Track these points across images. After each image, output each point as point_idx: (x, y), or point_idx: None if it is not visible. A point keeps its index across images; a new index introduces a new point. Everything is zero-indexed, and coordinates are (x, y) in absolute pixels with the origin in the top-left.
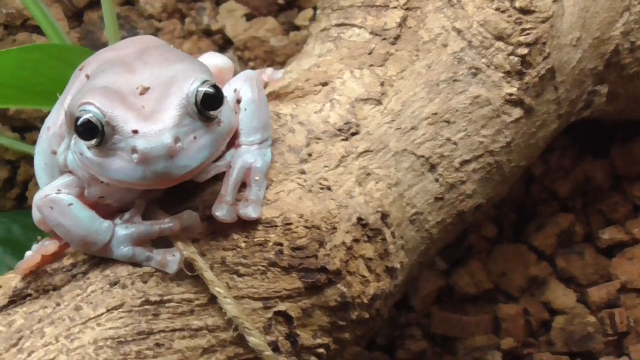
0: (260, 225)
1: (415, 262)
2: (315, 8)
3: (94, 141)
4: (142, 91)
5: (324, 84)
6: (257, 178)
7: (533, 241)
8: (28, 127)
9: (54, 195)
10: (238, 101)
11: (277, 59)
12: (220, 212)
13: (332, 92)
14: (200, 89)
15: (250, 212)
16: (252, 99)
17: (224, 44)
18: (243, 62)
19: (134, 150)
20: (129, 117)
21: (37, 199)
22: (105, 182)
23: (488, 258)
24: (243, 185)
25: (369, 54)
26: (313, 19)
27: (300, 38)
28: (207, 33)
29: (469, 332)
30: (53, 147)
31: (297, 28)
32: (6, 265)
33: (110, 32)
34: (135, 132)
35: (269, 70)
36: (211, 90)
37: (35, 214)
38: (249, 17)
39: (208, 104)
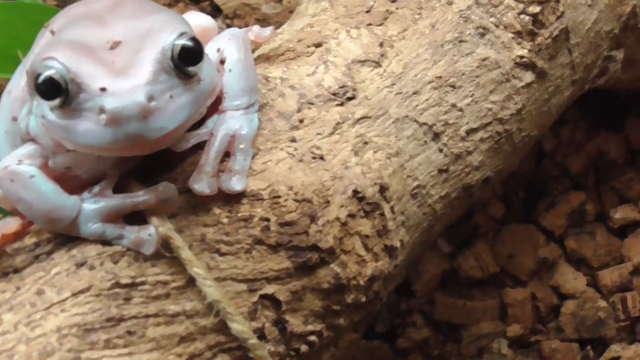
0: (245, 198)
1: (417, 241)
2: None
3: (57, 101)
4: (113, 45)
5: (318, 45)
6: (242, 146)
7: (542, 221)
8: None
9: (15, 167)
10: (222, 62)
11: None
12: (199, 184)
13: (326, 54)
14: (177, 42)
15: (234, 184)
16: (239, 58)
17: (212, 12)
18: None
19: (102, 110)
20: (97, 73)
21: None
22: (71, 150)
23: (495, 239)
24: (227, 155)
25: (367, 12)
26: None
27: (295, 4)
28: (195, 0)
29: (474, 319)
30: (14, 112)
31: None
32: None
33: None
34: (103, 89)
35: (256, 27)
36: (190, 43)
37: None
38: None
39: (186, 58)
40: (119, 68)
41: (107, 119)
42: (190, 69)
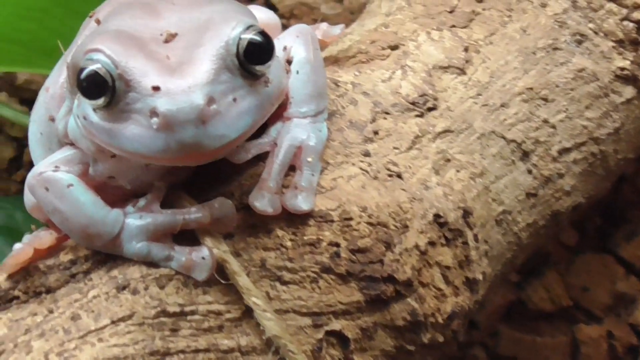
0: (312, 219)
1: (499, 273)
2: None
3: (101, 100)
4: (167, 38)
5: (394, 47)
6: (309, 159)
7: (621, 251)
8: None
9: (50, 174)
10: (288, 62)
11: None
12: (260, 201)
13: (404, 57)
14: (243, 35)
15: (299, 202)
16: (307, 59)
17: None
18: None
19: (153, 112)
20: (149, 69)
21: (30, 177)
22: (115, 157)
23: (567, 270)
24: (292, 169)
25: (450, 12)
26: None
27: (357, 6)
28: None
29: (542, 356)
30: (51, 112)
31: None
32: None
33: None
34: (156, 88)
35: (324, 25)
36: (258, 38)
37: (28, 198)
38: None
39: (254, 55)
40: (174, 64)
41: (159, 123)
42: (258, 68)
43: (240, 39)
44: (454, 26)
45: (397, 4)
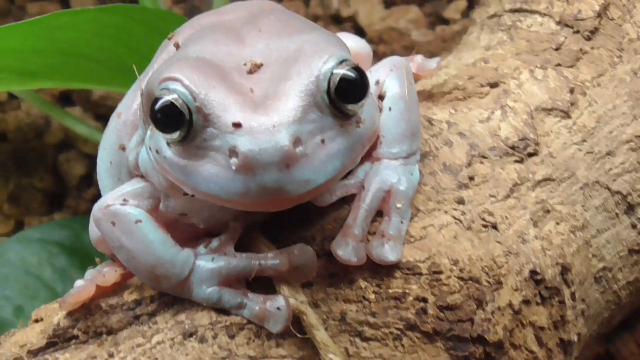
0: (399, 271)
1: (594, 334)
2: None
3: (177, 134)
4: (251, 68)
5: (494, 85)
6: (399, 205)
7: None
8: None
9: (118, 207)
10: (381, 97)
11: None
12: (344, 249)
13: (504, 96)
14: (336, 70)
15: (386, 252)
16: (401, 95)
17: (354, 34)
18: (376, 58)
19: (233, 151)
20: (230, 103)
21: (96, 209)
22: (189, 195)
23: None
24: (379, 214)
25: (556, 49)
26: (466, 12)
27: (449, 34)
28: (336, 19)
29: None
30: (122, 140)
31: (446, 22)
32: (71, 280)
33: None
34: (237, 125)
35: (419, 57)
36: (352, 74)
37: (93, 230)
38: (387, 3)
39: (346, 93)
40: (259, 99)
41: (239, 165)
42: (350, 107)
43: (332, 74)
44: (559, 65)
45: (497, 38)
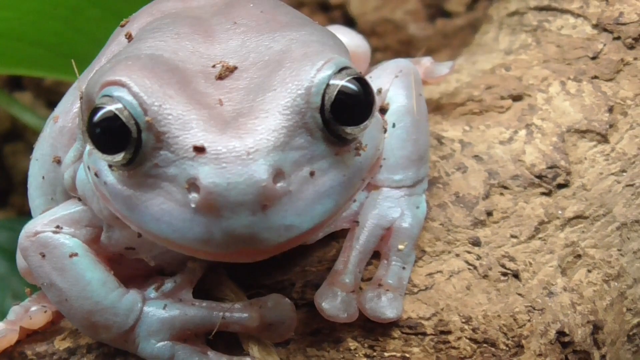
0: (397, 330)
1: None
2: None
3: (120, 156)
4: (222, 73)
5: (517, 98)
6: (401, 247)
7: None
8: None
9: (49, 236)
10: (382, 110)
11: (414, 53)
12: (330, 302)
13: (529, 113)
14: (333, 81)
15: (383, 307)
16: (408, 108)
17: (343, 24)
18: None
19: (193, 184)
20: (192, 119)
21: (23, 236)
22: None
23: None
24: (375, 255)
25: (592, 58)
26: (472, 5)
27: (451, 29)
28: (323, 6)
29: None
30: (58, 151)
31: (448, 15)
32: (11, 291)
33: None
34: (200, 149)
35: (427, 60)
36: (354, 86)
37: (20, 260)
38: None
39: (346, 112)
40: (229, 115)
41: (201, 202)
42: (349, 130)
43: (328, 85)
44: (596, 77)
45: (520, 40)
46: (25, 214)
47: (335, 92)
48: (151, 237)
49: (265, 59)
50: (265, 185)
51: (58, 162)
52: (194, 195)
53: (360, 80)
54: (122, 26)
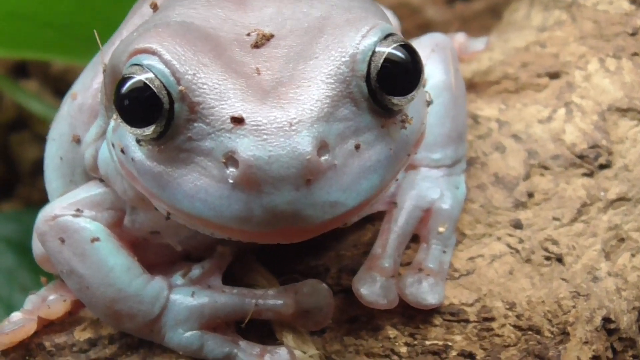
0: (439, 316)
1: None
2: None
3: (151, 129)
4: (258, 41)
5: (554, 76)
6: (441, 229)
7: None
8: None
9: (69, 220)
10: None
11: None
12: (369, 288)
13: (568, 90)
14: (380, 48)
15: (424, 293)
16: (446, 84)
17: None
18: None
19: (231, 158)
20: (229, 88)
21: (41, 220)
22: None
23: None
24: (413, 239)
25: (632, 35)
26: None
27: (471, 14)
28: None
29: None
30: (77, 130)
31: None
32: (18, 285)
33: None
34: (238, 120)
35: (461, 36)
36: (401, 53)
37: (37, 246)
38: None
39: (393, 80)
40: (268, 84)
41: (240, 177)
42: (396, 100)
43: (374, 52)
44: (636, 54)
45: (554, 17)
46: (32, 205)
47: (381, 60)
48: (183, 217)
49: (304, 26)
50: (310, 158)
51: (77, 141)
52: (232, 170)
53: (408, 48)
54: None
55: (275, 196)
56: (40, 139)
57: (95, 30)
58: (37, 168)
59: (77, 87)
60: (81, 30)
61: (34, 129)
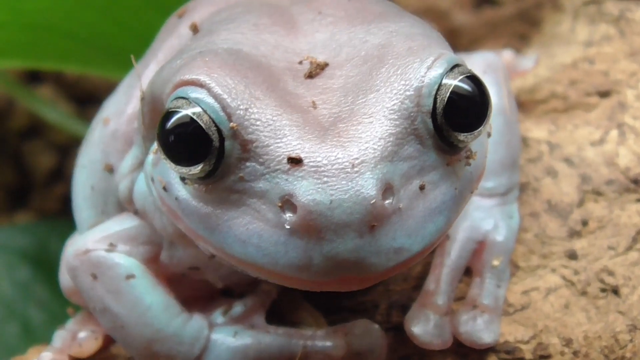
0: (494, 355)
1: None
2: None
3: (198, 168)
4: (312, 70)
5: (604, 94)
6: (496, 263)
7: None
8: (90, 100)
9: (102, 255)
10: None
11: (458, 43)
12: (423, 327)
13: (620, 111)
14: (447, 80)
15: (479, 331)
16: (500, 108)
17: None
18: None
19: (288, 202)
20: (285, 125)
21: (71, 254)
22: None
23: None
24: (466, 271)
25: None
26: None
27: (499, 19)
28: None
29: None
30: (110, 158)
31: (493, 3)
32: (33, 299)
33: None
34: (296, 161)
35: (508, 54)
36: (469, 86)
37: (65, 280)
38: None
39: (460, 115)
40: (326, 119)
41: (298, 223)
42: (463, 137)
43: (440, 85)
44: None
45: (601, 31)
46: (46, 216)
47: (448, 93)
48: (234, 262)
49: (362, 54)
50: (374, 202)
51: (110, 170)
52: (289, 215)
53: (475, 80)
54: (180, 16)
55: (337, 244)
56: (55, 147)
57: (132, 56)
58: (51, 177)
59: (109, 112)
60: (104, 41)
61: (48, 137)
